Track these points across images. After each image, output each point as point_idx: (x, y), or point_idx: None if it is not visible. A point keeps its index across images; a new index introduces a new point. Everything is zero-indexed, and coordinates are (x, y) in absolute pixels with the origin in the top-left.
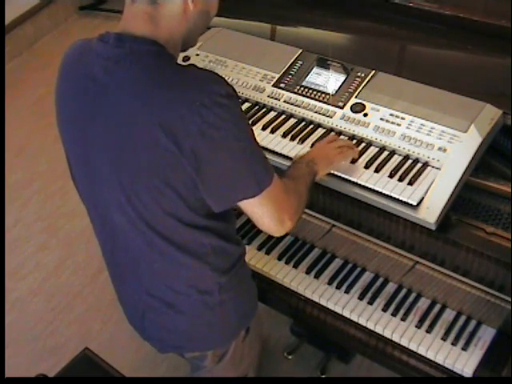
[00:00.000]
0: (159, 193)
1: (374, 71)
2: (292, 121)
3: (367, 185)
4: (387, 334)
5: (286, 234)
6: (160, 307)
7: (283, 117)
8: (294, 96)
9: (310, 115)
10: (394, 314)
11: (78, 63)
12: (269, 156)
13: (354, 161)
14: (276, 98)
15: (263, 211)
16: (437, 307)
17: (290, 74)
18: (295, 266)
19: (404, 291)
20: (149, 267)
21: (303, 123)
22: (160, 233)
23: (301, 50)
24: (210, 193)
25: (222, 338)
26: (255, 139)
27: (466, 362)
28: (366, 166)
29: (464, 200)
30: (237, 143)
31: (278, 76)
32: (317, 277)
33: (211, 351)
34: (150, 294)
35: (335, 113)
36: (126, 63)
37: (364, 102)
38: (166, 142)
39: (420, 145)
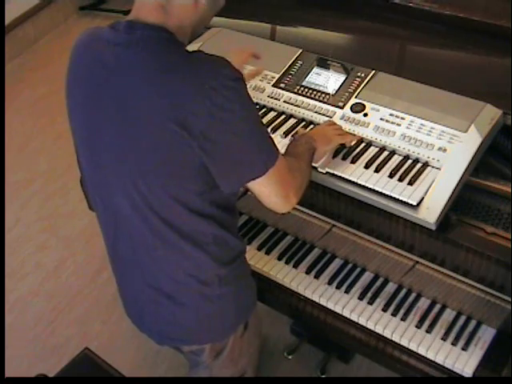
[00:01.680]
0: (166, 176)
1: (374, 71)
2: (292, 121)
3: (367, 185)
4: (387, 334)
5: (286, 234)
6: (160, 299)
7: (283, 117)
8: (293, 96)
9: (309, 115)
10: (394, 314)
11: (88, 50)
12: None
13: (353, 161)
14: (276, 98)
15: (270, 189)
16: (437, 307)
17: (290, 74)
18: (295, 266)
19: (404, 291)
20: (150, 255)
21: (303, 123)
22: (163, 218)
23: (301, 50)
24: (219, 174)
25: (221, 331)
26: (261, 119)
27: (465, 362)
28: (366, 166)
29: (464, 200)
30: (244, 124)
31: (278, 76)
32: (317, 277)
33: (209, 345)
34: (149, 285)
35: (335, 113)
36: (137, 49)
37: (364, 102)
38: (174, 125)
39: (420, 145)
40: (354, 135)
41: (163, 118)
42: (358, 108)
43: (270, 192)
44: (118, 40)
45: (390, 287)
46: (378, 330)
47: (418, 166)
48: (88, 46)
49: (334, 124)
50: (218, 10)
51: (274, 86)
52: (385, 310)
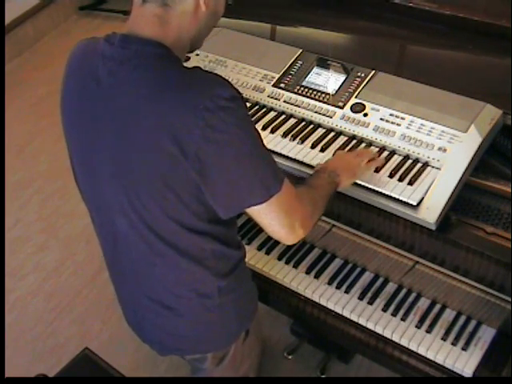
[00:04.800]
0: (161, 196)
1: (373, 71)
2: (292, 121)
3: (367, 185)
4: (387, 334)
5: None
6: (159, 310)
7: (283, 117)
8: (294, 96)
9: (310, 115)
10: (393, 314)
11: (83, 63)
12: None
13: None
14: (276, 98)
15: (272, 218)
16: (437, 307)
17: (290, 74)
18: (295, 266)
19: (404, 291)
20: (149, 271)
21: (303, 123)
22: (161, 237)
23: (301, 50)
24: (216, 198)
25: (222, 340)
26: (263, 143)
27: (465, 362)
28: None
29: (464, 200)
30: (242, 147)
31: (278, 76)
32: (317, 277)
33: (211, 353)
34: (149, 298)
35: (335, 113)
36: (131, 65)
37: (364, 102)
38: (169, 146)
39: (420, 145)
40: (376, 158)
41: (157, 137)
42: (358, 108)
43: (272, 221)
44: (113, 54)
45: (390, 287)
46: (378, 330)
47: (418, 165)
48: (82, 58)
49: (361, 153)
50: (216, 23)
51: (274, 86)
52: (385, 310)
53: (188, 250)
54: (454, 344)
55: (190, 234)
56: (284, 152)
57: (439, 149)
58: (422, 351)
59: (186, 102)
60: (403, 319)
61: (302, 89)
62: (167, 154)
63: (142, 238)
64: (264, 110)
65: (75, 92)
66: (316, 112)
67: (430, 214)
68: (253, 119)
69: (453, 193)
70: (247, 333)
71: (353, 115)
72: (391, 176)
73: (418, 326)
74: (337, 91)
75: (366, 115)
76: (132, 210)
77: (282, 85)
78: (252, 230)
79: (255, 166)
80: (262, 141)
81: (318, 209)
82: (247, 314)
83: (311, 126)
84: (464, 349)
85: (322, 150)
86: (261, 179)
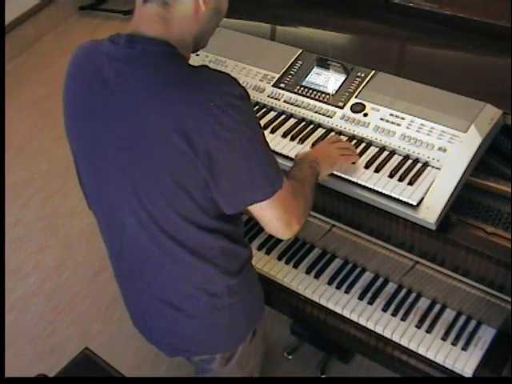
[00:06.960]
0: (172, 194)
1: (374, 71)
2: (292, 121)
3: (367, 185)
4: (387, 334)
5: None
6: (168, 311)
7: (283, 117)
8: (294, 96)
9: (310, 115)
10: (393, 314)
11: (87, 64)
12: None
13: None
14: (276, 98)
15: (272, 214)
16: (437, 307)
17: (290, 74)
18: (295, 266)
19: (404, 291)
20: (158, 271)
21: (303, 123)
22: (171, 235)
23: (301, 50)
24: (222, 194)
25: (231, 340)
26: (266, 142)
27: (466, 362)
28: (366, 166)
29: (464, 200)
30: (249, 145)
31: (278, 76)
32: (317, 277)
33: (220, 354)
34: (158, 299)
35: (335, 113)
36: (138, 64)
37: (364, 102)
38: (179, 143)
39: (420, 145)
40: (355, 152)
41: (167, 135)
42: (358, 108)
43: (272, 217)
44: (119, 55)
45: (390, 287)
46: (378, 330)
47: (418, 165)
48: (86, 60)
49: (338, 140)
50: (219, 22)
51: (274, 86)
52: (385, 310)
53: (197, 248)
54: (453, 344)
55: (200, 231)
56: (284, 152)
57: (439, 149)
58: (421, 351)
59: (195, 100)
60: (403, 319)
61: (302, 89)
62: (177, 151)
63: (151, 238)
64: (264, 110)
65: (80, 93)
66: (316, 112)
67: (429, 213)
68: None
69: (453, 193)
70: (254, 333)
71: (353, 115)
72: (391, 176)
73: (418, 326)
74: (337, 91)
75: (366, 115)
76: (142, 209)
77: (282, 85)
78: (252, 229)
79: (260, 164)
80: (265, 139)
81: (309, 203)
82: (255, 314)
83: (311, 125)
84: (464, 349)
85: None
86: (265, 177)
